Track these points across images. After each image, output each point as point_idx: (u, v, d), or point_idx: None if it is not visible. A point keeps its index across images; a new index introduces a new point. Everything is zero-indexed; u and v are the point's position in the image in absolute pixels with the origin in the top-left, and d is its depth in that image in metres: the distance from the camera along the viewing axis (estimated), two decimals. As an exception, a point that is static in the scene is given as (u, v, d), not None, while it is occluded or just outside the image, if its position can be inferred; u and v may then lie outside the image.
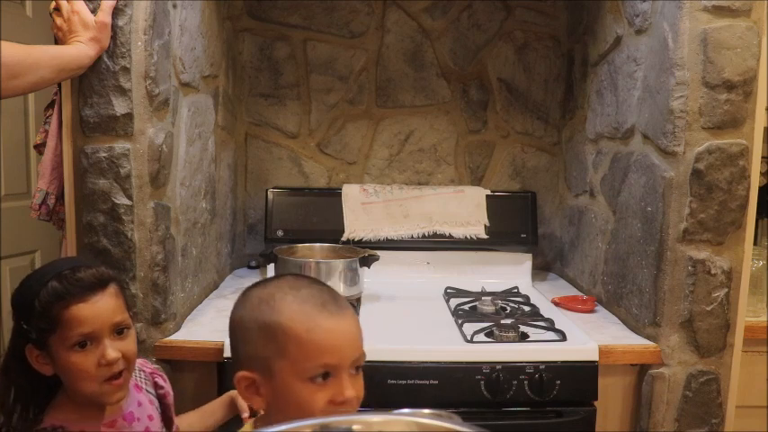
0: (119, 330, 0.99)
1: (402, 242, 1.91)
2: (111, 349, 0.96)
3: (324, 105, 2.04)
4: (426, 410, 0.62)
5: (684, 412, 1.40)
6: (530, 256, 1.96)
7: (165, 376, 1.17)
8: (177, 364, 1.38)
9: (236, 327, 0.89)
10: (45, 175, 1.34)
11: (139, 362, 1.13)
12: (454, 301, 1.69)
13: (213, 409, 1.22)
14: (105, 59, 1.25)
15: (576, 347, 1.39)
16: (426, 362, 1.35)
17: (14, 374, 1.00)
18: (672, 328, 1.39)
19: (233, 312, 0.91)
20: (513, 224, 1.96)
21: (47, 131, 1.35)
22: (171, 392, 1.15)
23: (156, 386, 1.14)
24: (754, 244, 1.56)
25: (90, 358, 0.96)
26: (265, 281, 0.94)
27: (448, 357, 1.37)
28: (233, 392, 1.23)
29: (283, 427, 0.59)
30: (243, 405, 1.20)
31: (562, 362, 1.37)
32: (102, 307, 0.97)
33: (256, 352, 0.84)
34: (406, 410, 0.67)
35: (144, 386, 1.12)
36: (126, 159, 1.28)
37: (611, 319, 1.60)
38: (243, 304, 0.89)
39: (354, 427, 0.57)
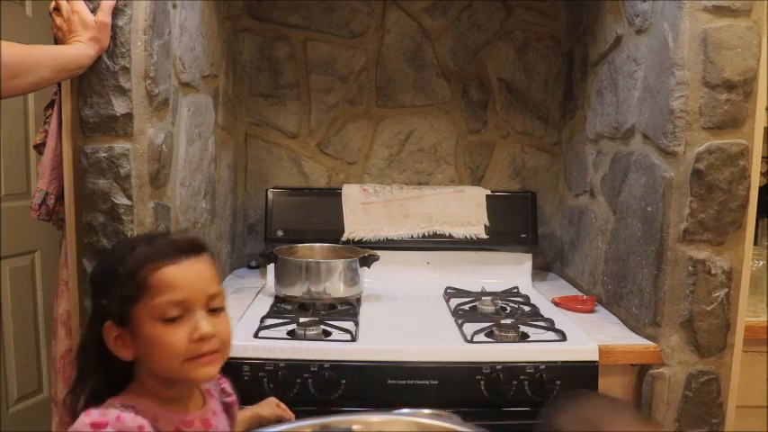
0: (212, 309, 0.87)
1: (402, 242, 1.91)
2: (206, 323, 0.84)
3: (324, 105, 2.04)
4: (426, 410, 0.62)
5: (685, 412, 1.40)
6: (530, 256, 1.96)
7: (230, 383, 1.04)
8: (177, 364, 1.38)
9: None
10: (45, 175, 1.33)
11: None
12: (454, 301, 1.69)
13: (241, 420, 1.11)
14: (105, 59, 1.25)
15: (576, 347, 1.39)
16: (426, 362, 1.35)
17: (90, 361, 0.88)
18: (672, 328, 1.39)
19: None
20: (513, 224, 1.96)
21: (47, 131, 1.35)
22: (237, 402, 1.03)
23: (224, 393, 1.02)
24: (755, 244, 1.55)
25: (180, 332, 0.83)
26: None
27: (448, 357, 1.37)
28: (262, 408, 1.16)
29: (283, 427, 0.59)
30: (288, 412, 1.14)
31: (562, 362, 1.37)
32: (196, 272, 0.86)
33: None
34: (406, 410, 0.67)
35: (215, 393, 1.00)
36: (126, 159, 1.28)
37: (611, 319, 1.60)
38: None
39: (354, 426, 0.57)
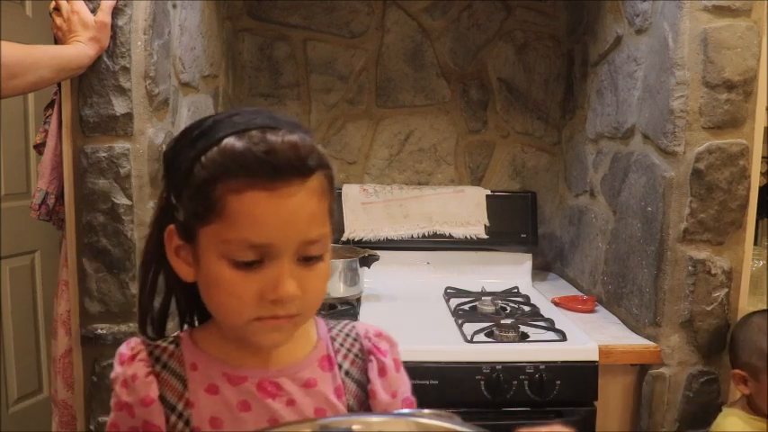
0: (307, 257, 0.63)
1: (402, 242, 1.91)
2: (291, 280, 0.61)
3: (324, 105, 2.04)
4: (426, 410, 0.61)
5: (685, 413, 1.40)
6: (530, 255, 1.96)
7: (390, 358, 0.74)
8: (177, 364, 1.37)
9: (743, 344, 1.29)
10: (45, 174, 1.33)
11: (365, 328, 0.77)
12: (454, 301, 1.69)
13: None
14: (105, 59, 1.25)
15: (576, 347, 1.39)
16: (426, 362, 1.35)
17: (154, 273, 0.70)
18: (672, 328, 1.39)
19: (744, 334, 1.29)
20: (514, 224, 1.96)
21: (47, 131, 1.35)
22: (385, 393, 0.72)
23: (366, 374, 0.73)
24: (755, 244, 1.55)
25: (253, 282, 0.61)
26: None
27: (448, 357, 1.37)
28: None
29: (283, 428, 0.59)
30: None
31: (562, 362, 1.37)
32: (294, 208, 0.61)
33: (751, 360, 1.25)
34: (405, 411, 0.67)
35: (343, 363, 0.72)
36: (126, 159, 1.28)
37: (611, 319, 1.60)
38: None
39: (354, 426, 0.57)
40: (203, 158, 0.62)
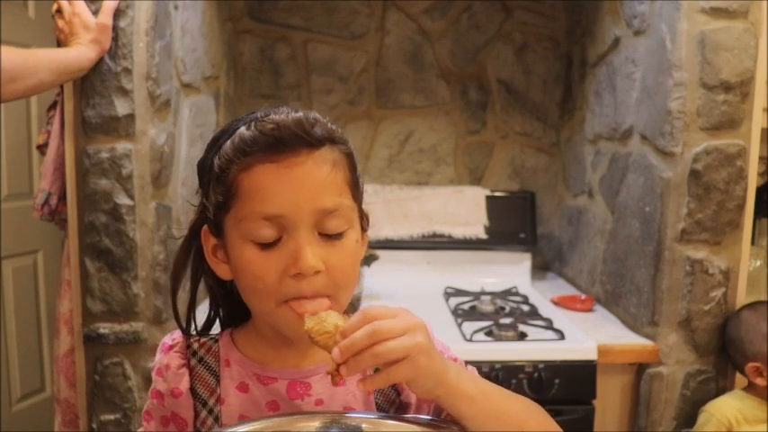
0: (327, 230, 0.63)
1: (402, 242, 1.92)
2: (310, 252, 0.60)
3: (324, 106, 2.05)
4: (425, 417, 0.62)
5: (682, 411, 1.41)
6: (529, 255, 1.97)
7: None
8: (178, 363, 1.38)
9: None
10: (47, 175, 1.34)
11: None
12: (454, 301, 1.70)
13: None
14: (107, 60, 1.26)
15: (574, 346, 1.40)
16: (426, 361, 1.36)
17: (193, 283, 0.72)
18: (670, 327, 1.40)
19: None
20: (513, 224, 1.96)
21: (49, 132, 1.36)
22: (413, 404, 0.70)
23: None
24: (752, 244, 1.56)
25: (273, 260, 0.61)
26: None
27: (447, 356, 1.37)
28: None
29: (295, 417, 0.59)
30: None
31: (561, 361, 1.37)
32: (301, 175, 0.60)
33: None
34: (424, 417, 0.66)
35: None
36: (128, 160, 1.29)
37: (609, 319, 1.61)
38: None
39: (364, 425, 0.57)
40: (221, 151, 0.64)
